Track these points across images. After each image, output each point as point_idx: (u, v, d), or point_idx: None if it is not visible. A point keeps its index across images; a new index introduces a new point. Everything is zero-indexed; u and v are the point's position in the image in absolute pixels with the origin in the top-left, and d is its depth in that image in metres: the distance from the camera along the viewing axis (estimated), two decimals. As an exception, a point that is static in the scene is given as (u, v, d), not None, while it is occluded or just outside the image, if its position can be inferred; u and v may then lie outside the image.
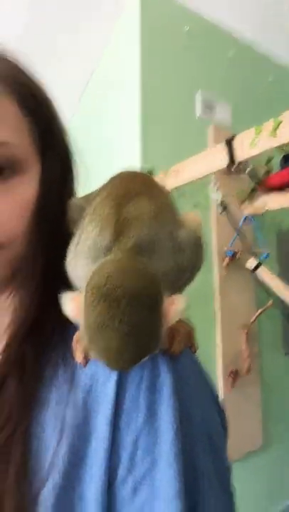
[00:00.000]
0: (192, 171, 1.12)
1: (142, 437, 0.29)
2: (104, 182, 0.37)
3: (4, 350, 0.35)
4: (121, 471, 0.29)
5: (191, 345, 0.35)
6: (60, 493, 0.28)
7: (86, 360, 0.31)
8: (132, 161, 1.26)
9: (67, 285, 0.32)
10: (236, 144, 0.98)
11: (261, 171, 1.23)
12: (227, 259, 1.33)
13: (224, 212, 1.20)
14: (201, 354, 0.36)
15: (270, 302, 1.32)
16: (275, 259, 1.52)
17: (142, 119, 1.26)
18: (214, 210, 1.34)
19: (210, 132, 1.41)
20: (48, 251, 0.35)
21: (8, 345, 0.35)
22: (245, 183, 1.31)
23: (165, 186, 0.38)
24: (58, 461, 0.29)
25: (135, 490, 0.28)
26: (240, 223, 1.31)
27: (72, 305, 0.28)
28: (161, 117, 1.31)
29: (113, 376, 0.31)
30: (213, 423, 0.33)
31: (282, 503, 1.44)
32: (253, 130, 0.93)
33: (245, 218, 1.34)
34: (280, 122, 0.86)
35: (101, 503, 0.28)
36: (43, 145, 0.37)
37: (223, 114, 1.46)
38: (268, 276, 1.27)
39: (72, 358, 0.33)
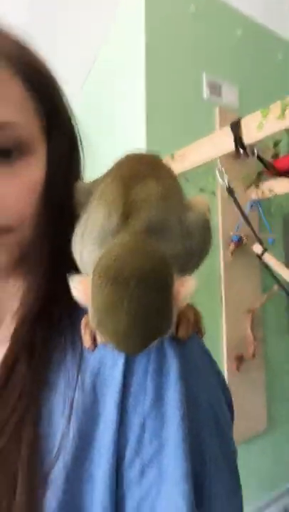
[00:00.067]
0: (198, 154, 1.10)
1: (149, 421, 0.29)
2: (110, 166, 0.36)
3: (13, 335, 0.35)
4: (128, 454, 0.29)
5: (198, 330, 0.35)
6: (69, 473, 0.29)
7: (94, 344, 0.31)
8: (137, 146, 1.24)
9: (75, 269, 0.32)
10: (243, 126, 0.96)
11: (268, 155, 1.21)
12: (233, 245, 1.32)
13: (230, 198, 1.19)
14: (206, 339, 0.36)
15: (276, 287, 1.32)
16: (281, 244, 1.51)
17: (147, 103, 1.24)
18: (220, 196, 1.32)
19: (216, 115, 1.38)
20: (56, 234, 0.35)
21: (16, 330, 0.35)
22: (252, 167, 1.29)
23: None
24: (67, 443, 0.29)
25: (142, 473, 0.29)
26: (247, 209, 1.30)
27: (80, 288, 0.28)
28: (167, 100, 1.29)
29: (121, 360, 0.31)
30: (220, 407, 0.34)
31: (286, 484, 1.47)
32: (259, 112, 0.91)
33: (251, 203, 1.32)
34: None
35: (109, 484, 0.28)
36: (49, 124, 0.36)
37: (230, 96, 1.43)
38: (273, 261, 1.26)
39: (81, 342, 0.33)
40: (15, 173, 0.33)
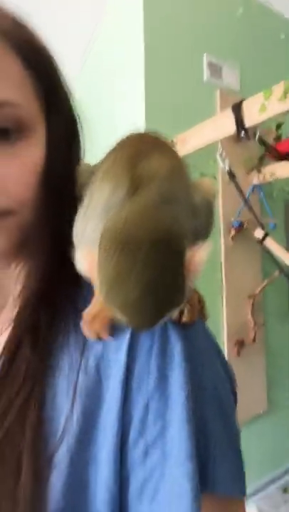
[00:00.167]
0: (199, 137, 1.09)
1: (153, 402, 0.29)
2: (111, 148, 0.35)
3: (16, 318, 0.35)
4: (132, 434, 0.29)
5: (202, 315, 0.35)
6: (73, 456, 0.29)
7: (97, 336, 0.31)
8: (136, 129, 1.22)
9: None
10: (245, 108, 0.94)
11: (271, 137, 1.19)
12: (234, 230, 1.32)
13: (231, 182, 1.18)
14: (207, 324, 0.36)
15: (277, 272, 1.32)
16: (282, 229, 1.51)
17: (146, 85, 1.21)
18: (221, 180, 1.31)
19: (217, 97, 1.36)
20: (57, 217, 0.35)
21: (19, 313, 0.35)
22: (253, 150, 1.28)
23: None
24: (70, 425, 0.30)
25: (146, 453, 0.29)
26: (248, 193, 1.29)
27: (86, 261, 0.27)
28: (166, 82, 1.26)
29: (124, 342, 0.31)
30: (224, 390, 0.34)
31: (286, 464, 1.50)
32: (262, 94, 0.89)
33: (253, 188, 1.31)
34: (292, 85, 0.82)
35: (113, 465, 0.29)
36: (48, 103, 0.35)
37: (231, 78, 1.40)
38: (275, 246, 1.26)
39: None
40: (15, 154, 0.32)
